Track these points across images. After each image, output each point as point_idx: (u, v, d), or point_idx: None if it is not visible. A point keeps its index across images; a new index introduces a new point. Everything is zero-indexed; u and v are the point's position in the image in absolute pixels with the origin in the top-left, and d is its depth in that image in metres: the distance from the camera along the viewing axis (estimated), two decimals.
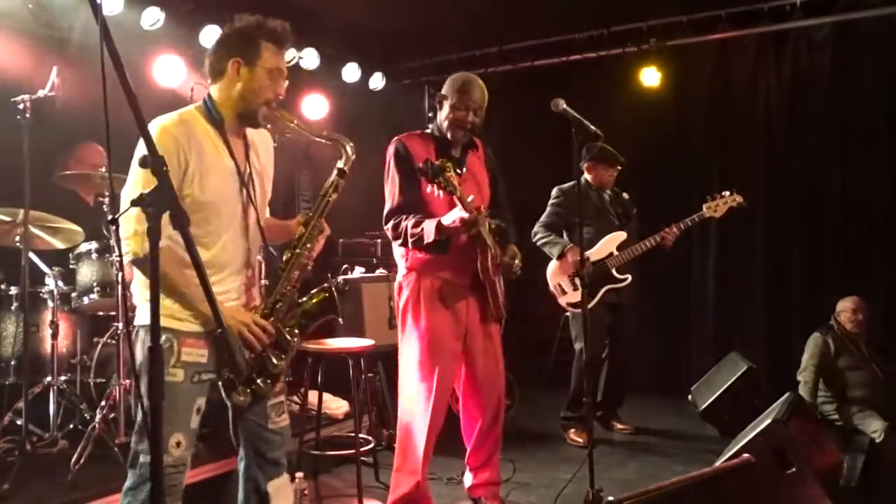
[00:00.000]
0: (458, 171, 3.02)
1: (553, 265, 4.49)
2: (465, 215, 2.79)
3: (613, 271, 4.41)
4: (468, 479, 3.37)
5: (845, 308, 4.39)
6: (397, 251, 3.18)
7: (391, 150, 3.12)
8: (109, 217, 3.63)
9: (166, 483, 1.95)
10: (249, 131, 2.30)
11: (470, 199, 2.83)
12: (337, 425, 4.33)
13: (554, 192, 4.60)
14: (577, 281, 4.32)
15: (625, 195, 4.72)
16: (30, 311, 3.42)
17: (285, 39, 2.24)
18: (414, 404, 3.08)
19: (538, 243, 4.50)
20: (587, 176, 4.62)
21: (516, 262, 3.15)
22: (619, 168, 4.62)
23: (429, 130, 3.21)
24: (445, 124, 3.12)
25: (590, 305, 4.26)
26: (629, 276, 4.43)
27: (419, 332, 3.06)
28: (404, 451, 3.10)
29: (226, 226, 2.19)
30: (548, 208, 4.58)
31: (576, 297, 4.41)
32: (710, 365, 5.01)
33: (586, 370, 4.10)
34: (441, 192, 2.87)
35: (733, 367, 4.61)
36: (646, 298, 5.09)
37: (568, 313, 4.55)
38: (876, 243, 5.11)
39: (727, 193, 4.44)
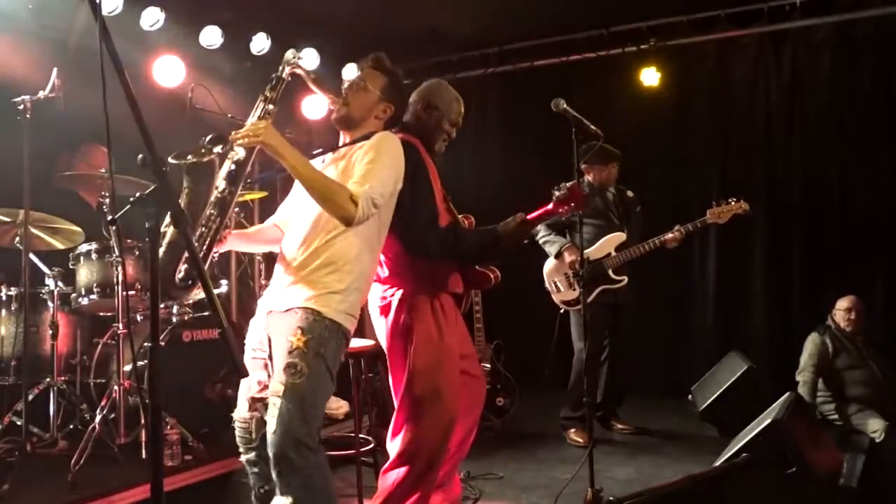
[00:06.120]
0: None
1: (550, 262, 4.51)
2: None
3: (610, 272, 4.41)
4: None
5: (840, 307, 4.41)
6: (407, 263, 2.74)
7: (412, 149, 2.67)
8: (109, 217, 3.63)
9: None
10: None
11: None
12: (337, 425, 4.33)
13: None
14: (574, 280, 4.34)
15: (629, 193, 4.70)
16: (30, 311, 3.42)
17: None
18: (438, 428, 2.73)
19: (538, 241, 4.51)
20: (587, 177, 4.61)
21: None
22: (617, 164, 4.60)
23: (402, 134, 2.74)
24: (438, 136, 2.91)
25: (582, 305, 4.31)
26: (625, 278, 4.43)
27: (440, 352, 2.73)
28: (418, 476, 2.74)
29: None
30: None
31: (569, 294, 4.43)
32: (710, 365, 5.01)
33: (586, 369, 4.10)
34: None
35: (733, 366, 4.61)
36: (646, 298, 5.08)
37: (562, 310, 4.56)
38: (876, 243, 5.12)
39: (733, 200, 4.38)
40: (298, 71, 2.48)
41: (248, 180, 2.41)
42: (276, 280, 2.46)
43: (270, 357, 2.37)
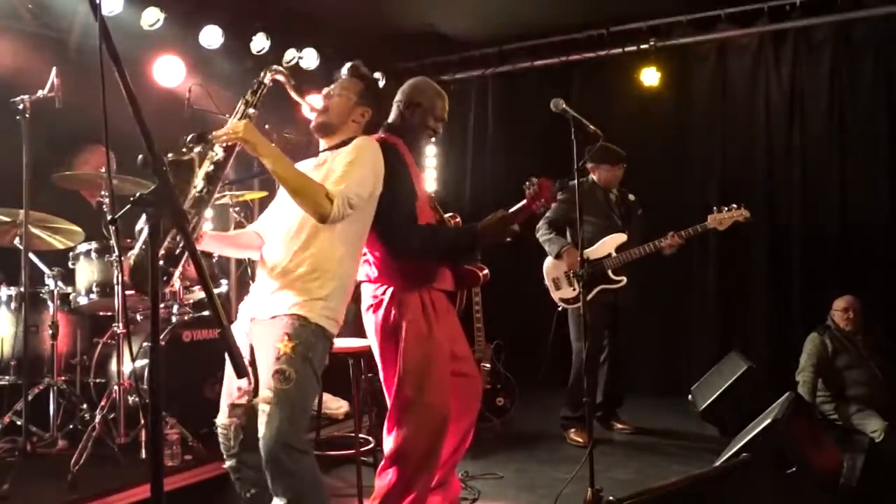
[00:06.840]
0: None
1: (549, 260, 4.53)
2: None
3: (609, 272, 4.41)
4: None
5: (837, 307, 4.42)
6: (396, 262, 2.76)
7: (392, 150, 2.69)
8: (109, 217, 3.63)
9: None
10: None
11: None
12: (337, 425, 4.33)
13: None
14: (574, 279, 4.34)
15: (630, 196, 4.71)
16: (30, 311, 3.42)
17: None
18: (430, 426, 2.74)
19: (540, 239, 4.53)
20: (592, 176, 4.62)
21: None
22: (624, 166, 4.61)
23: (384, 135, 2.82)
24: (422, 133, 2.94)
25: (581, 303, 4.31)
26: (624, 279, 4.43)
27: (430, 348, 2.74)
28: (412, 476, 2.74)
29: None
30: (552, 204, 4.60)
31: (568, 293, 4.44)
32: (710, 365, 5.01)
33: (586, 369, 4.10)
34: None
35: (733, 367, 4.61)
36: (646, 298, 5.09)
37: (560, 308, 4.57)
38: (876, 243, 5.12)
39: (734, 207, 4.34)
40: (279, 77, 2.49)
41: (226, 182, 2.42)
42: (258, 286, 2.48)
43: (251, 363, 2.35)
